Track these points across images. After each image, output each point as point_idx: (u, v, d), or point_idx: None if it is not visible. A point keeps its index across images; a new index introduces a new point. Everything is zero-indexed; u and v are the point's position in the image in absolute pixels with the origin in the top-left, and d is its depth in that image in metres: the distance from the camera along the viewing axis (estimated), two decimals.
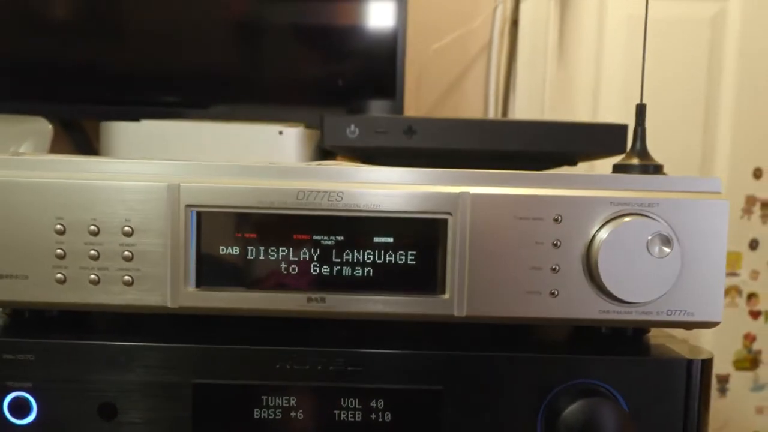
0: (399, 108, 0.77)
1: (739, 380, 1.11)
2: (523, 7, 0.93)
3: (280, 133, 0.57)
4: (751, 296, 1.11)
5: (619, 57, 1.02)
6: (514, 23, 0.93)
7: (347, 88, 0.79)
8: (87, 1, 0.76)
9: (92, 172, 0.35)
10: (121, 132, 0.57)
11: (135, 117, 0.67)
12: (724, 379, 1.11)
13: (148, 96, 0.77)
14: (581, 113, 1.00)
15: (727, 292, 1.11)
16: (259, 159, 0.57)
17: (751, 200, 1.10)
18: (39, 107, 0.63)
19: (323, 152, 0.62)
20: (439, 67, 0.92)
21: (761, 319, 1.12)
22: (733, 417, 1.12)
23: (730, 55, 1.07)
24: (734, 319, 1.11)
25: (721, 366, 1.11)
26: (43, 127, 0.53)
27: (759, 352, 1.12)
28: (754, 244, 1.10)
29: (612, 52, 1.01)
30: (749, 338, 1.12)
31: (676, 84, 1.05)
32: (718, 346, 1.10)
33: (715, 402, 1.11)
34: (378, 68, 0.79)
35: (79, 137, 0.81)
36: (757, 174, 1.09)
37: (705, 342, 1.10)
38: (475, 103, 0.94)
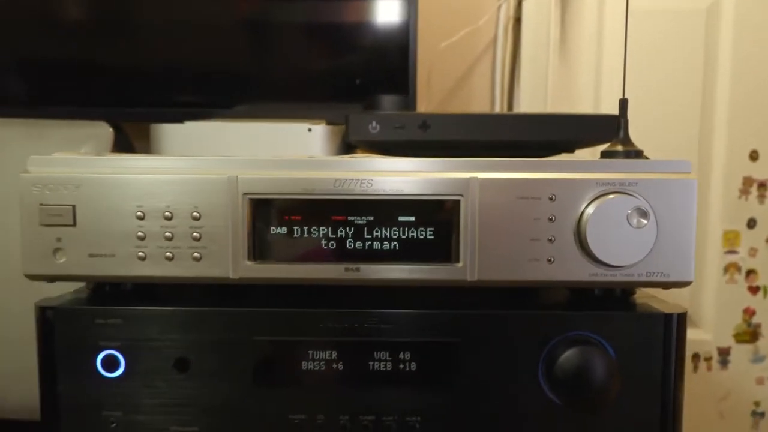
0: (412, 103, 0.83)
1: (740, 352, 1.17)
2: (526, 5, 0.99)
3: (309, 130, 0.64)
4: (750, 272, 1.17)
5: (618, 49, 1.07)
6: (518, 21, 1.00)
7: (363, 85, 0.86)
8: (125, 15, 0.84)
9: (165, 168, 0.43)
10: (169, 132, 0.65)
11: (169, 118, 0.74)
12: (725, 352, 1.17)
13: (179, 99, 0.84)
14: (583, 104, 1.06)
15: (727, 269, 1.17)
16: (290, 153, 0.64)
17: (748, 181, 1.15)
18: (86, 112, 0.70)
19: (346, 146, 0.69)
20: (448, 64, 0.98)
21: (760, 294, 1.17)
22: (735, 388, 1.18)
23: (726, 45, 1.12)
24: (734, 295, 1.17)
25: (722, 339, 1.17)
26: (104, 131, 0.61)
27: (758, 326, 1.17)
28: (752, 223, 1.16)
29: (611, 45, 1.07)
30: (749, 312, 1.17)
31: (674, 73, 1.10)
32: (719, 321, 1.16)
33: (717, 374, 1.17)
34: (392, 66, 0.85)
35: (121, 138, 0.88)
36: (754, 156, 1.15)
37: (707, 316, 1.16)
38: (481, 97, 1.00)
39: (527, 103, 0.99)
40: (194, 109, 0.81)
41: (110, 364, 0.44)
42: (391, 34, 0.84)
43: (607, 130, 0.58)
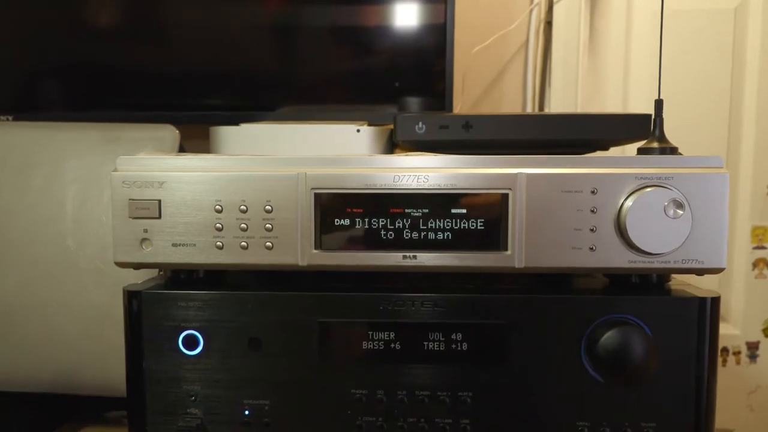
0: (449, 105, 0.87)
1: None
2: (557, 9, 1.03)
3: (358, 131, 0.68)
4: None
5: (646, 51, 1.10)
6: (548, 24, 1.03)
7: (401, 87, 0.91)
8: (174, 27, 0.90)
9: (240, 166, 0.47)
10: (227, 134, 0.70)
11: (219, 120, 0.79)
12: (754, 346, 1.19)
13: (228, 102, 0.90)
14: (611, 105, 1.09)
15: (756, 264, 1.18)
16: (340, 153, 0.68)
17: None
18: (149, 116, 0.77)
19: (391, 146, 0.73)
20: (481, 67, 1.02)
21: None
22: (764, 381, 1.19)
23: (754, 44, 1.14)
24: (763, 290, 1.18)
25: (751, 333, 1.18)
26: (170, 133, 0.66)
27: None
28: None
29: (639, 46, 1.09)
30: None
31: (703, 73, 1.12)
32: (748, 315, 1.18)
33: (746, 368, 1.19)
34: (429, 69, 0.89)
35: None
36: None
37: (735, 311, 1.18)
38: (514, 98, 1.04)
39: (558, 105, 1.02)
40: (241, 112, 0.87)
41: (190, 342, 0.48)
42: (428, 39, 0.88)
43: (641, 129, 0.61)
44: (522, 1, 1.03)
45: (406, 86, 0.90)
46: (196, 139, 0.83)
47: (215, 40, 0.89)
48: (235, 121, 0.77)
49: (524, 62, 1.03)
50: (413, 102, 0.91)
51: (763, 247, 1.17)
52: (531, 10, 1.02)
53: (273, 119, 0.86)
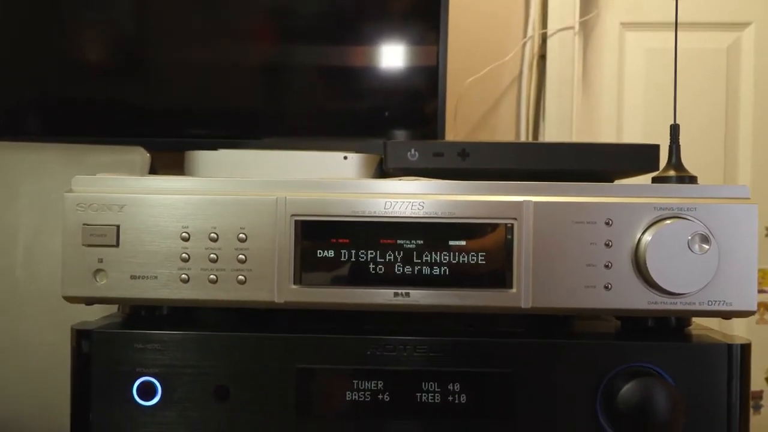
0: (441, 136, 0.83)
1: None
2: (550, 43, 1.01)
3: (345, 158, 0.63)
4: None
5: (639, 86, 1.08)
6: (542, 57, 1.01)
7: (392, 118, 0.87)
8: (168, 59, 0.87)
9: (213, 189, 0.42)
10: (204, 159, 0.64)
11: (201, 147, 0.75)
12: (757, 396, 1.13)
13: (212, 131, 0.86)
14: (606, 139, 1.06)
15: (757, 308, 1.14)
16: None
17: None
18: (128, 141, 0.72)
19: (380, 176, 0.68)
20: (474, 98, 0.99)
21: None
22: None
23: (746, 82, 1.13)
24: (765, 335, 1.13)
25: (753, 382, 1.13)
26: (141, 156, 0.61)
27: None
28: None
29: (632, 82, 1.08)
30: None
31: (698, 110, 1.11)
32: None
33: (750, 419, 1.13)
34: (421, 101, 0.86)
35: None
36: None
37: None
38: (507, 130, 1.01)
39: (552, 138, 0.99)
40: (224, 140, 0.82)
41: (146, 391, 0.42)
42: (420, 79, 0.85)
43: (649, 160, 0.57)
44: (516, 33, 1.00)
45: (398, 117, 0.87)
46: (176, 169, 0.77)
47: (202, 73, 0.86)
48: (216, 148, 0.72)
49: (518, 94, 1.00)
50: (405, 135, 0.87)
51: (763, 291, 1.13)
52: (524, 44, 1.00)
53: (258, 148, 0.81)
